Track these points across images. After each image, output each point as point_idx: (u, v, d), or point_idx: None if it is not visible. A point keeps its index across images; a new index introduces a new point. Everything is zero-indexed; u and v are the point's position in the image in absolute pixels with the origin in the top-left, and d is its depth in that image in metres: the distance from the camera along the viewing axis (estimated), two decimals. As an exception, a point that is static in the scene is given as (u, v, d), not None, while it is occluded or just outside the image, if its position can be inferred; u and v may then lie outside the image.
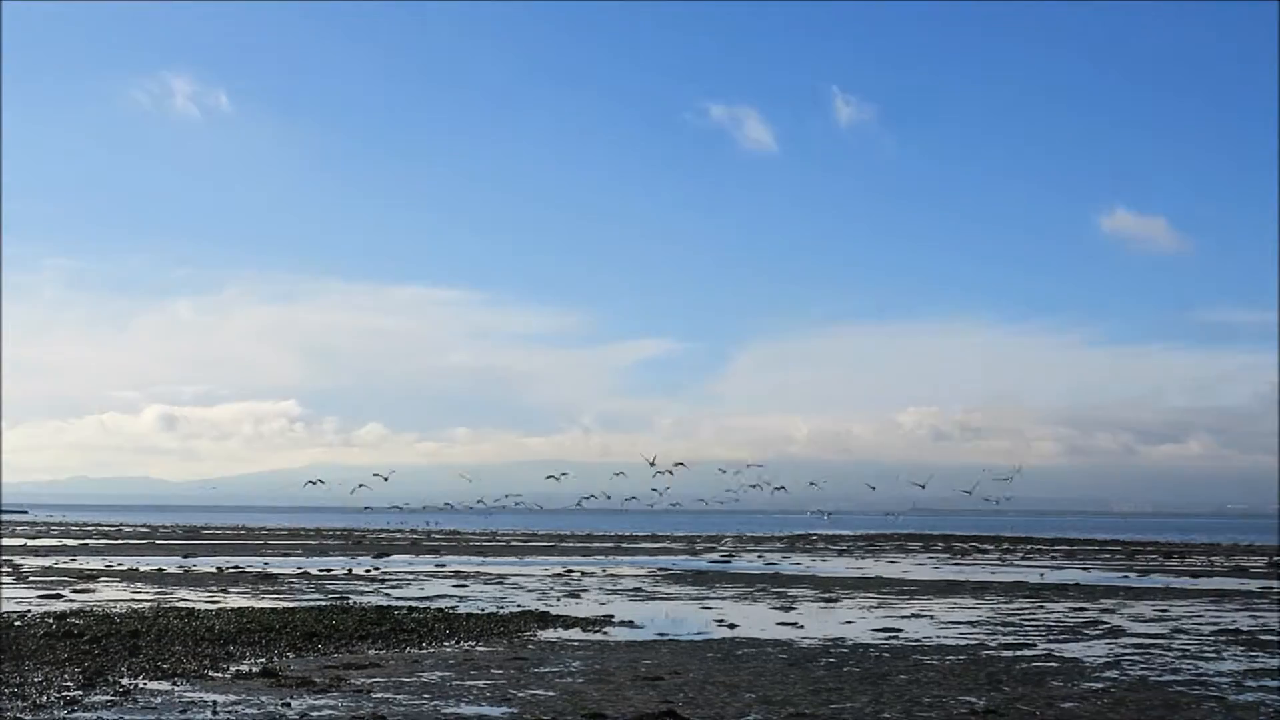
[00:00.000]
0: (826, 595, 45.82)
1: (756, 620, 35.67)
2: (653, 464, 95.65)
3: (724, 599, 43.86)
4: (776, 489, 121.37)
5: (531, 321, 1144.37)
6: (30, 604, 37.65)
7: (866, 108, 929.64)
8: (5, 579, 50.28)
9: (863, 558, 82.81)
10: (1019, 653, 27.83)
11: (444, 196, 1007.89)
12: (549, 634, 30.99)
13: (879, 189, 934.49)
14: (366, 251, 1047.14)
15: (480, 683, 22.02)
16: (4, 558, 68.10)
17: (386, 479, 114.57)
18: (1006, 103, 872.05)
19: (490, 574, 58.23)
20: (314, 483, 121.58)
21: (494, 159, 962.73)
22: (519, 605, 39.72)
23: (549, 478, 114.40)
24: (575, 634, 31.10)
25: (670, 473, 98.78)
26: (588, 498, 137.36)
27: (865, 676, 23.49)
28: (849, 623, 35.16)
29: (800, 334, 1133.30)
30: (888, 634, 31.86)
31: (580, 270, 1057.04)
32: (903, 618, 36.68)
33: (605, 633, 31.62)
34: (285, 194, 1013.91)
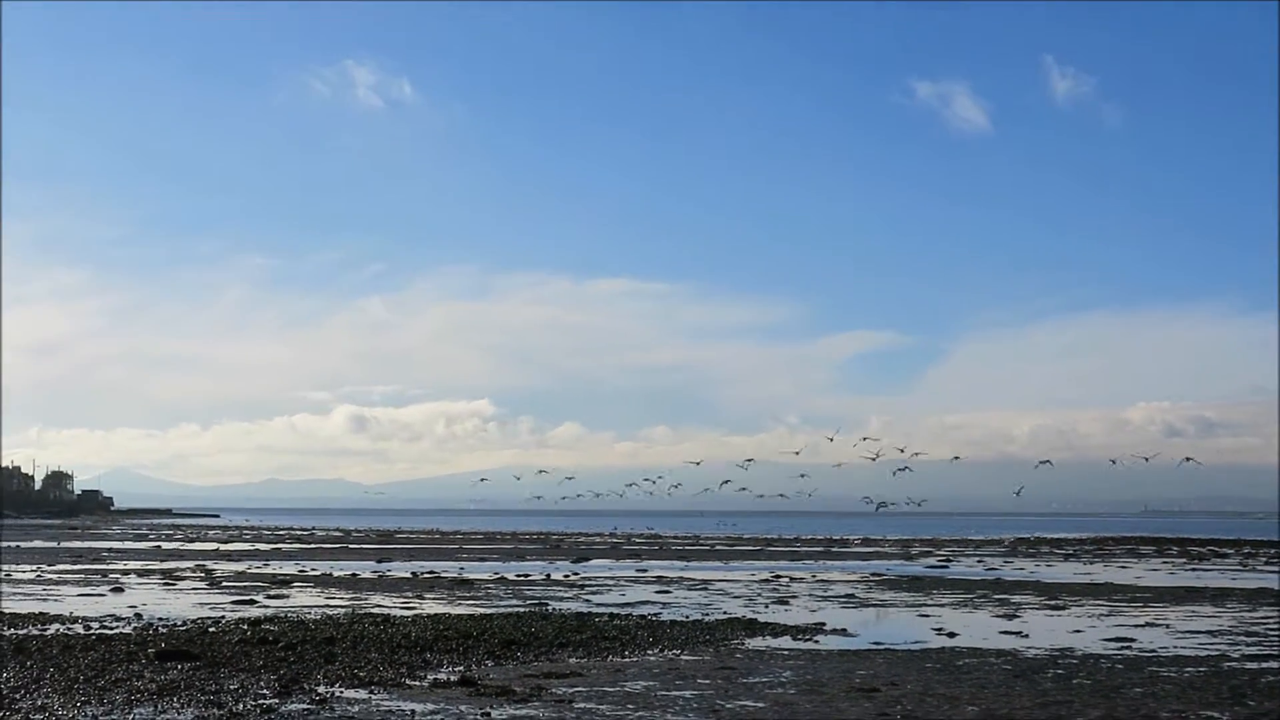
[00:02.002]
0: (1052, 602, 45.10)
1: (977, 629, 35.24)
2: (875, 458, 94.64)
3: (942, 606, 43.43)
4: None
5: (738, 315, 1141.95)
6: (224, 609, 38.66)
7: (1085, 80, 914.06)
8: (199, 584, 51.70)
9: (1091, 562, 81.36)
10: (1265, 664, 27.10)
11: (644, 188, 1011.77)
12: (757, 642, 30.96)
13: (1102, 167, 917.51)
14: (562, 244, 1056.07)
15: (686, 693, 22.06)
16: (198, 562, 70.03)
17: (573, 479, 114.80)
18: (1239, 69, 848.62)
19: (694, 579, 58.36)
20: (484, 480, 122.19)
21: (695, 150, 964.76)
22: (725, 612, 39.75)
23: (741, 465, 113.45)
24: (785, 642, 31.03)
25: (906, 470, 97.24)
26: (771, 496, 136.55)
27: (1097, 689, 23.06)
28: (1077, 631, 34.56)
29: (1021, 326, 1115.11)
30: (1120, 644, 31.25)
31: (790, 263, 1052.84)
32: (1136, 626, 35.96)
33: (817, 641, 31.49)
34: (475, 186, 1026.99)
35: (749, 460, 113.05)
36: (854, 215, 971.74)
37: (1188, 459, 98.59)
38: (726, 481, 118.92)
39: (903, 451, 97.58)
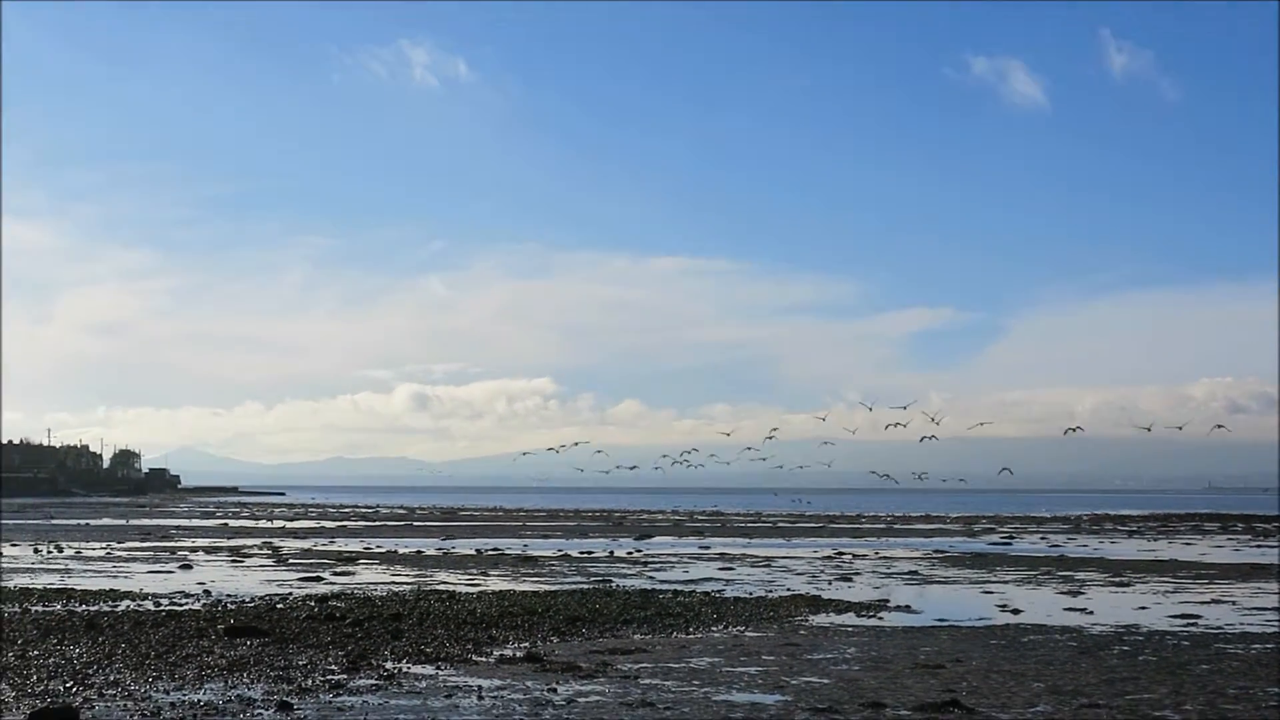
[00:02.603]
0: (1117, 579, 44.87)
1: (1042, 605, 35.10)
2: (932, 432, 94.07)
3: (1006, 583, 43.27)
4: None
5: (797, 292, 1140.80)
6: (291, 586, 38.93)
7: (1142, 54, 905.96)
8: (266, 561, 52.09)
9: (1155, 539, 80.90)
10: (1333, 641, 26.87)
11: (702, 165, 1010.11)
12: (821, 619, 30.95)
13: (1160, 141, 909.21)
14: (622, 222, 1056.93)
15: (751, 669, 22.09)
16: (264, 540, 70.51)
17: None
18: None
19: (757, 556, 58.36)
20: (555, 449, 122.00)
21: (753, 126, 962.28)
22: (788, 589, 39.74)
23: (769, 435, 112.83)
24: (849, 619, 31.00)
25: (932, 436, 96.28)
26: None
27: (1163, 666, 22.94)
28: (1143, 608, 34.37)
29: (1081, 302, 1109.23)
30: (1186, 620, 31.07)
31: (849, 239, 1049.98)
32: (1201, 603, 35.73)
33: (880, 618, 31.46)
34: (533, 164, 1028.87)
35: (774, 430, 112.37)
36: (912, 192, 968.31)
37: (1218, 426, 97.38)
38: (748, 449, 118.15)
39: (933, 421, 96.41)
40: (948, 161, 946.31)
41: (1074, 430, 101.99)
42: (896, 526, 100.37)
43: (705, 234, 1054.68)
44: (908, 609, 33.73)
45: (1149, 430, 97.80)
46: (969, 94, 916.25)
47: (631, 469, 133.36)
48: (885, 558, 58.32)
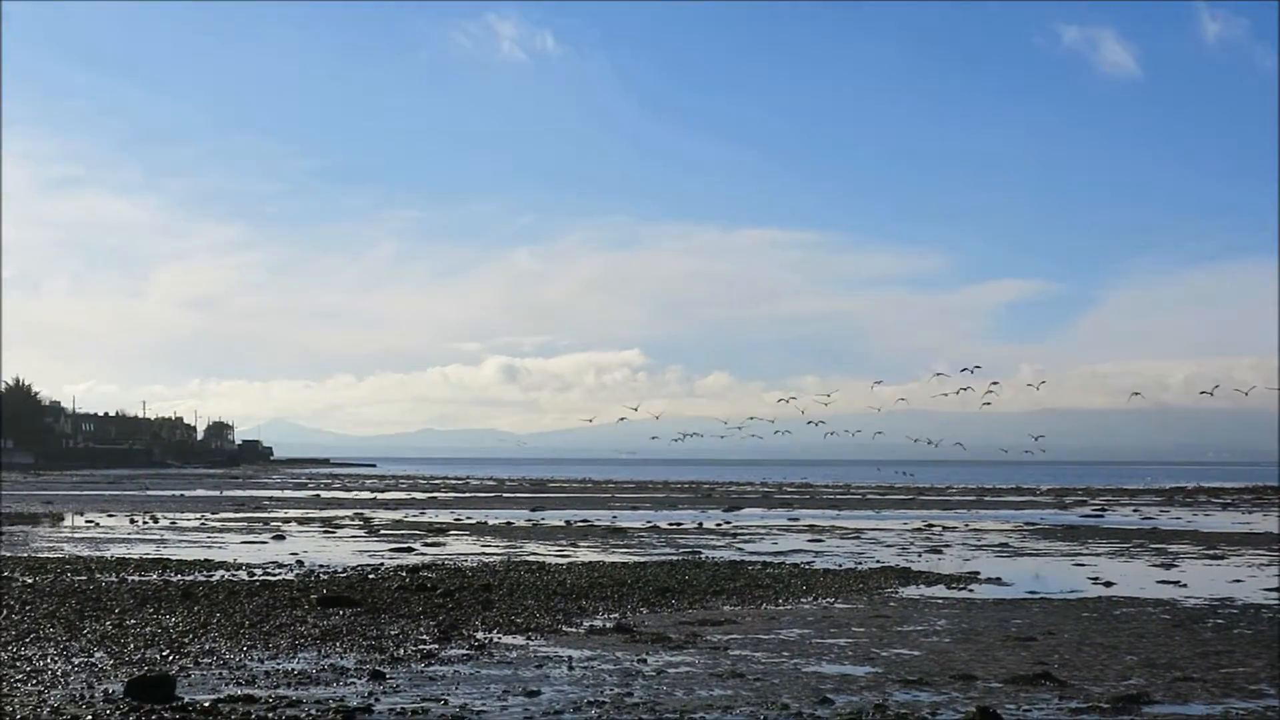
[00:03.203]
0: (1211, 552, 44.40)
1: (1134, 578, 34.79)
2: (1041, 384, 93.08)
3: (1097, 555, 42.93)
4: None
5: (887, 264, 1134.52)
6: (383, 557, 39.22)
7: (1236, 22, 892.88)
8: (358, 532, 52.50)
9: (1250, 512, 79.91)
10: None
11: (791, 136, 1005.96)
12: (911, 591, 30.83)
13: (1253, 110, 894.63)
14: (710, 194, 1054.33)
15: (841, 641, 22.04)
16: (356, 511, 71.06)
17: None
18: None
19: (846, 528, 58.19)
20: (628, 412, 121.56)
21: (841, 97, 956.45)
22: (878, 561, 39.62)
23: (823, 400, 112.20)
24: (939, 591, 30.87)
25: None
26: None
27: (1259, 639, 22.68)
28: (1238, 581, 33.98)
29: (1175, 272, 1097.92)
30: (1282, 594, 30.72)
31: (938, 210, 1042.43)
32: (1298, 577, 35.29)
33: (971, 590, 31.30)
34: (621, 136, 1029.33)
35: (828, 396, 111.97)
36: (1002, 162, 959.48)
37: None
38: (765, 424, 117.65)
39: (990, 386, 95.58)
40: (1039, 132, 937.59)
41: (1136, 395, 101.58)
42: (986, 499, 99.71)
43: (794, 205, 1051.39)
44: (998, 581, 33.53)
45: (1247, 394, 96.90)
46: (1060, 63, 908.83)
47: (690, 436, 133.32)
48: (975, 530, 58.00)
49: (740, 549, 44.62)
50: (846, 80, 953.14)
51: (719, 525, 60.24)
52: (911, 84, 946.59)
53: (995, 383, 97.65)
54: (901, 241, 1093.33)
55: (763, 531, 55.59)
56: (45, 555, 37.70)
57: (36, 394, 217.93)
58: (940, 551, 44.23)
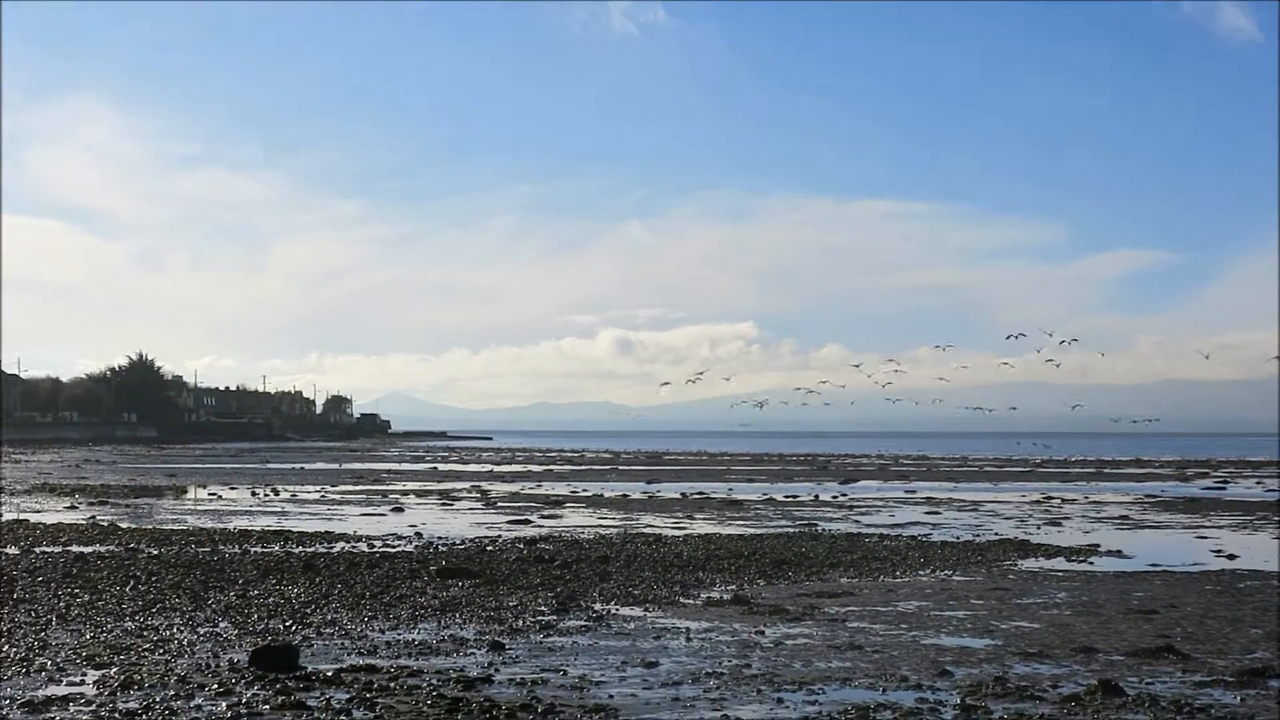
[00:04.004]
0: (1338, 524, 43.66)
1: (1259, 551, 34.33)
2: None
3: (1220, 527, 42.40)
4: None
5: (1003, 235, 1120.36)
6: (500, 529, 39.47)
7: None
8: (475, 504, 52.87)
9: (1378, 484, 78.49)
10: None
11: (905, 105, 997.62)
12: (1029, 564, 30.61)
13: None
14: (824, 165, 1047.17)
15: (960, 614, 21.93)
16: (473, 483, 71.52)
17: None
18: None
19: (963, 500, 57.86)
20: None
21: (955, 65, 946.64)
22: (996, 533, 39.36)
23: (896, 368, 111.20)
24: (1058, 564, 30.62)
25: None
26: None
27: (1388, 613, 22.30)
28: (1366, 554, 33.45)
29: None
30: None
31: (1054, 180, 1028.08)
32: None
33: (1091, 563, 31.01)
34: (733, 108, 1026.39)
35: (898, 369, 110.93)
36: (1122, 132, 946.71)
37: None
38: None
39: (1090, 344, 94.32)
40: (1158, 100, 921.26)
41: (1275, 359, 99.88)
42: (1106, 471, 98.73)
43: (909, 176, 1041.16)
44: (1119, 554, 33.21)
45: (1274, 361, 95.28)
46: (1179, 30, 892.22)
47: (760, 406, 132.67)
48: (1095, 502, 57.48)
49: (857, 521, 44.51)
50: (964, 49, 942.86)
51: (835, 498, 60.09)
52: (1030, 53, 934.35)
53: (1064, 341, 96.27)
54: (1019, 212, 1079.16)
55: (879, 504, 55.38)
56: (170, 527, 38.31)
57: (159, 369, 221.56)
58: (1059, 524, 43.87)
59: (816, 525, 42.07)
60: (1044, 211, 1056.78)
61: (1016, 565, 30.19)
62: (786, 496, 60.44)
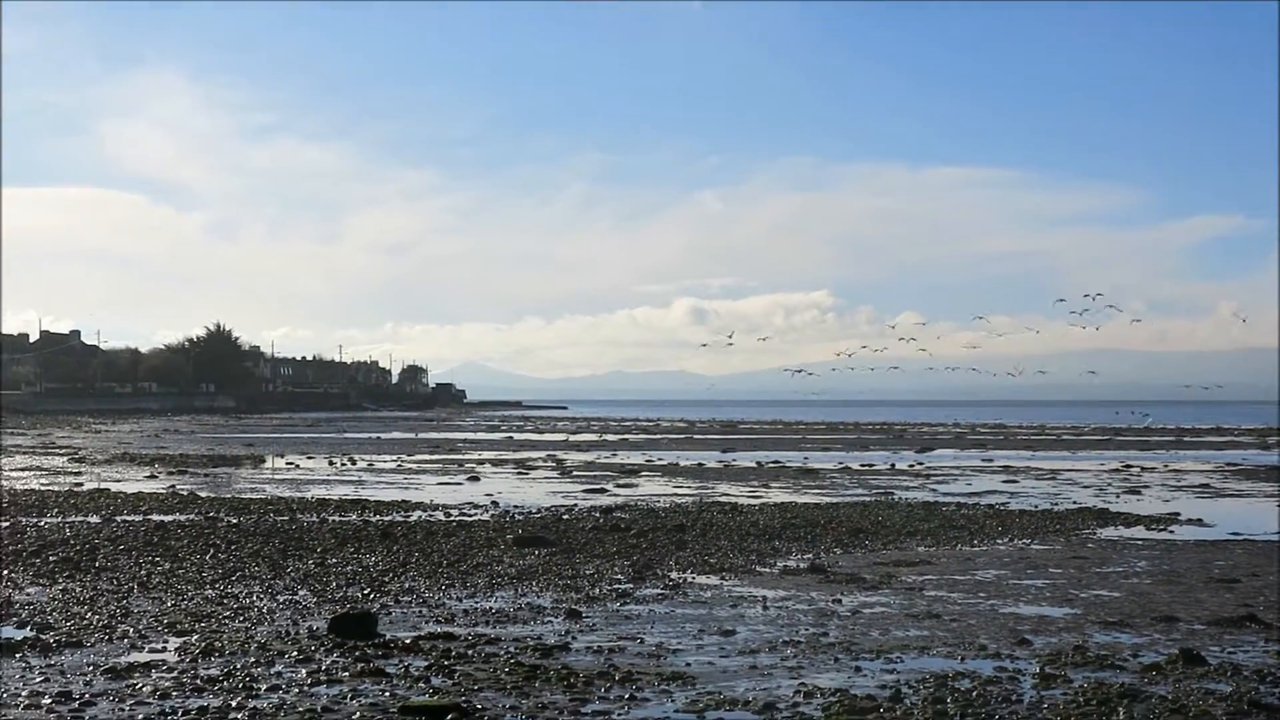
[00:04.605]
0: None
1: (1343, 519, 33.95)
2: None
3: (1303, 496, 41.95)
4: None
5: (1079, 201, 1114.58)
6: (576, 498, 39.56)
7: None
8: (551, 473, 53.02)
9: None
10: None
11: (979, 71, 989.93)
12: (1109, 532, 30.38)
13: None
14: (897, 133, 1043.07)
15: (1038, 582, 21.80)
16: (548, 452, 71.68)
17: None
18: None
19: (1041, 469, 57.51)
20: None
21: (1031, 29, 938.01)
22: (1074, 502, 39.09)
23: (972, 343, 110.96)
24: (1138, 532, 30.38)
25: None
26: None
27: None
28: None
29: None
30: None
31: (1132, 146, 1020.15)
32: None
33: (1171, 531, 30.76)
34: (806, 76, 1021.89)
35: (973, 338, 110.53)
36: (1196, 94, 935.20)
37: None
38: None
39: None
40: (1232, 62, 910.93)
41: None
42: (1186, 439, 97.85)
43: (983, 142, 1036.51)
44: (1200, 523, 32.91)
45: None
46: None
47: (798, 373, 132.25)
48: (1174, 470, 57.02)
49: (933, 490, 44.33)
50: (1039, 14, 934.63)
51: (911, 466, 59.85)
52: (1106, 17, 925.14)
53: (1111, 305, 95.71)
54: (1094, 178, 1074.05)
55: (956, 472, 55.13)
56: (249, 496, 38.63)
57: (236, 339, 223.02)
58: (1139, 492, 43.54)
59: (893, 494, 41.94)
60: (1120, 177, 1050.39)
61: (1095, 534, 29.97)
62: (862, 465, 60.25)
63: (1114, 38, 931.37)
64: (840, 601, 19.33)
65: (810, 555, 25.06)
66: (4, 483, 42.97)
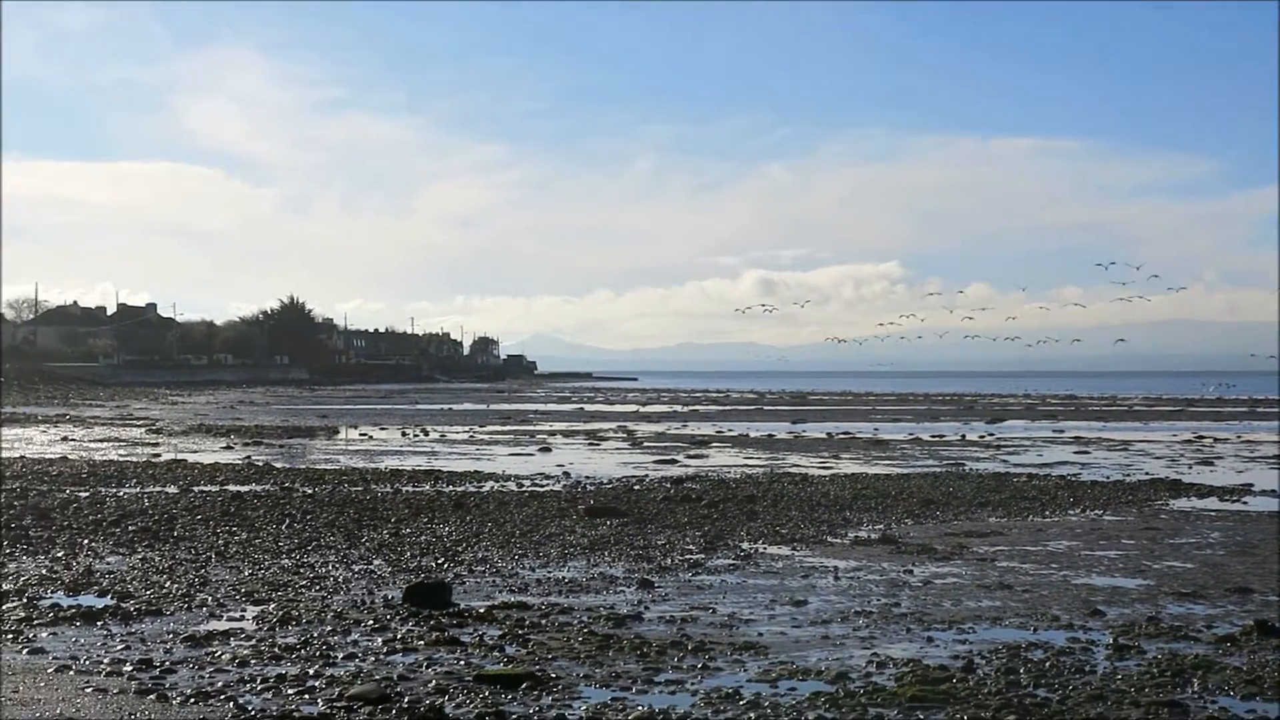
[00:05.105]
0: None
1: None
2: None
3: (1379, 467, 41.47)
4: None
5: (1149, 172, 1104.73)
6: (647, 469, 39.61)
7: None
8: (621, 444, 53.13)
9: None
10: None
11: (1049, 41, 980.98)
12: (1181, 503, 30.15)
13: None
14: (968, 103, 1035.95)
15: (1111, 553, 21.68)
16: (619, 424, 71.79)
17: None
18: None
19: (1113, 440, 57.12)
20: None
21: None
22: (1146, 473, 38.83)
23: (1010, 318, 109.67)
24: (1211, 504, 30.12)
25: None
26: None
27: None
28: None
29: None
30: None
31: (1204, 116, 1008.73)
32: None
33: (1245, 502, 30.48)
34: (876, 47, 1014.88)
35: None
36: (1270, 63, 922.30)
37: None
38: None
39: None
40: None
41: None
42: (1259, 410, 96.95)
43: (1054, 112, 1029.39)
44: (1274, 493, 32.57)
45: None
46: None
47: (841, 341, 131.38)
48: (1248, 441, 56.54)
49: (1004, 461, 44.11)
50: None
51: (982, 437, 59.59)
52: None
53: (1154, 275, 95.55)
54: (1167, 148, 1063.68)
55: (1027, 443, 54.85)
56: (323, 467, 38.89)
57: (310, 312, 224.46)
58: (1211, 464, 43.19)
59: (963, 464, 41.78)
60: (1191, 147, 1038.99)
61: (1168, 505, 29.76)
62: (932, 436, 60.05)
63: (1185, 6, 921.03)
64: (912, 572, 19.30)
65: (881, 526, 25.02)
66: (84, 453, 43.49)
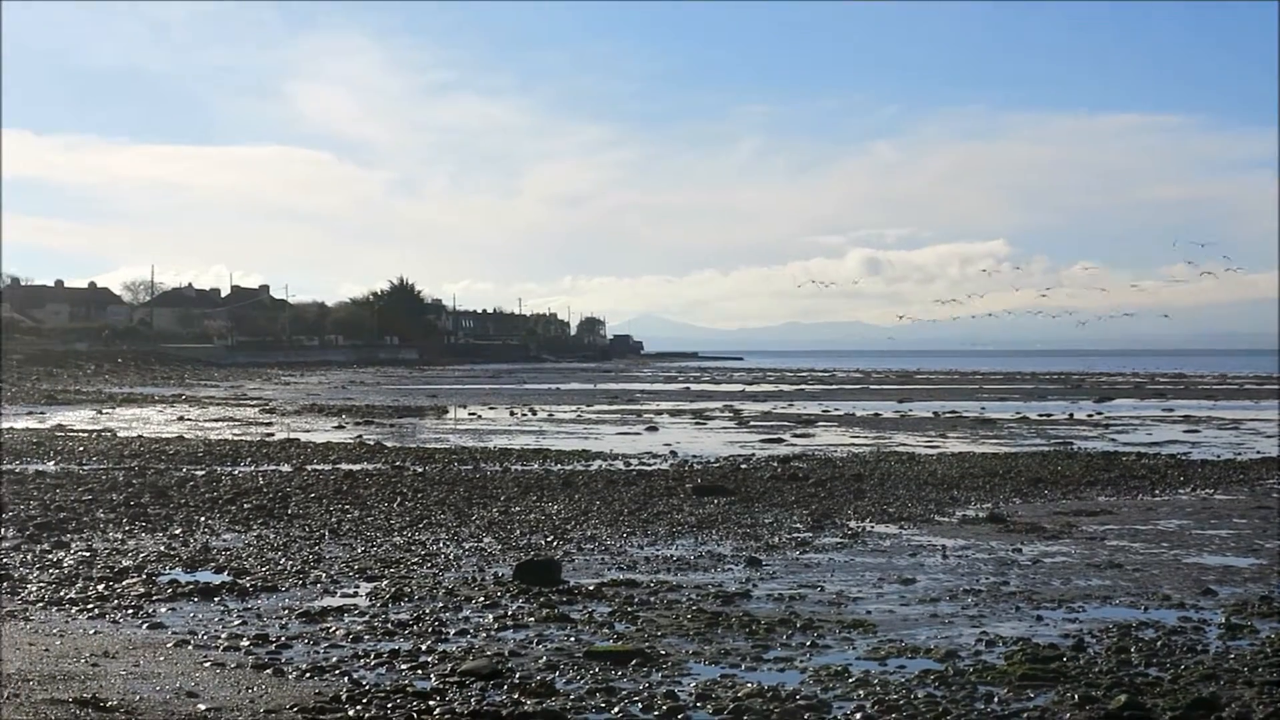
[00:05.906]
0: None
1: None
2: None
3: None
4: None
5: (1253, 147, 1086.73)
6: (753, 448, 39.53)
7: None
8: (728, 423, 53.06)
9: None
10: None
11: (1148, 17, 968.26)
12: (1294, 482, 29.70)
13: None
14: (1070, 80, 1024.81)
15: (1222, 532, 21.40)
16: (725, 403, 71.68)
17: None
18: None
19: (1223, 419, 56.30)
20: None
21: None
22: (1258, 452, 38.24)
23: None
24: (1325, 483, 29.64)
25: None
26: None
27: None
28: None
29: None
30: None
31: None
32: None
33: (1360, 482, 29.98)
34: (978, 25, 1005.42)
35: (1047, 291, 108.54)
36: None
37: None
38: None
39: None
40: None
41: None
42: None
43: (1157, 88, 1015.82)
44: (1389, 473, 32.04)
45: None
46: None
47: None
48: (1363, 420, 55.56)
49: (1113, 440, 43.63)
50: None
51: (1090, 416, 58.97)
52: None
53: (1226, 256, 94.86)
54: (1269, 124, 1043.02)
55: (1136, 422, 54.22)
56: (433, 446, 39.13)
57: (419, 292, 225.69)
58: (1325, 442, 42.51)
59: (1071, 443, 41.37)
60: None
61: (1280, 484, 29.33)
62: (1040, 415, 59.48)
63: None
64: (1020, 551, 19.14)
65: (989, 505, 24.83)
66: (200, 433, 44.08)
